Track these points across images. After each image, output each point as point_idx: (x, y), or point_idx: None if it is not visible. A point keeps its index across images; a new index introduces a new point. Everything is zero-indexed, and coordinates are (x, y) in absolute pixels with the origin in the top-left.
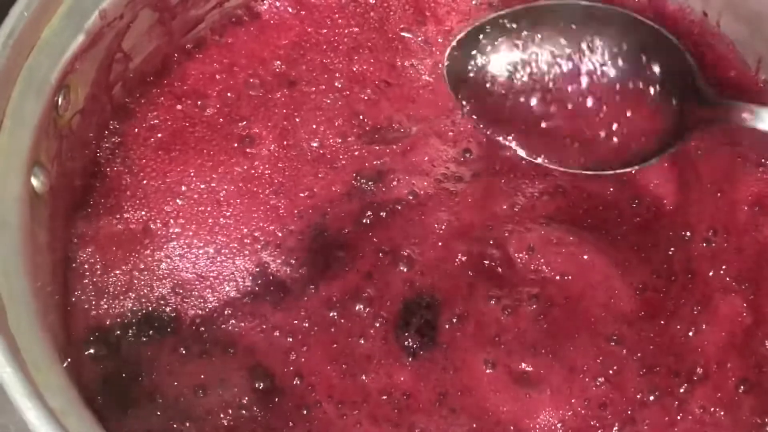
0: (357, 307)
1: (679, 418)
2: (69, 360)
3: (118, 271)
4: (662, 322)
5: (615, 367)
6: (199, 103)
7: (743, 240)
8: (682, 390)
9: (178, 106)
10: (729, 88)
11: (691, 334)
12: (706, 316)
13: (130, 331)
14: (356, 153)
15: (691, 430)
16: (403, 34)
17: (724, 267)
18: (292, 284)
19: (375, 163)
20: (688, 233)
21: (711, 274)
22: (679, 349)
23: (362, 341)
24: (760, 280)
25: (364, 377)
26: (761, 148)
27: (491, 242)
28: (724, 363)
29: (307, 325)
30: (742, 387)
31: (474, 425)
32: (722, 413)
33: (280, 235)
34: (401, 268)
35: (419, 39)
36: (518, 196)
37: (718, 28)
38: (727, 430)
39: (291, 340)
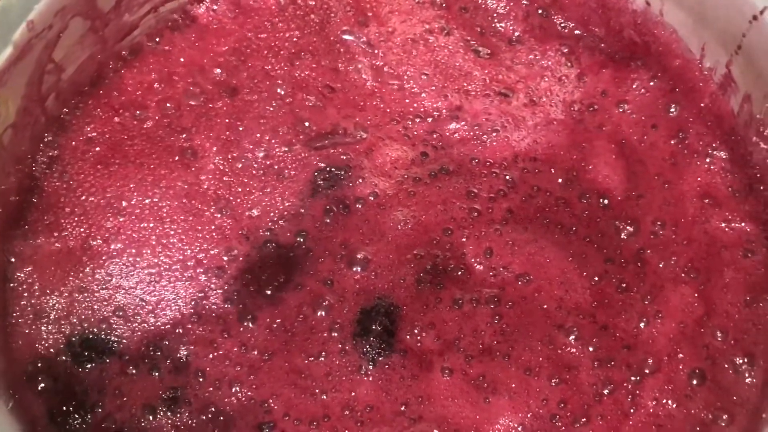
0: (311, 320)
1: (632, 411)
2: (14, 397)
3: (57, 293)
4: (615, 312)
5: (571, 364)
6: (137, 113)
7: (692, 231)
8: (634, 383)
9: (116, 118)
10: (674, 77)
11: (642, 325)
12: (657, 307)
13: (73, 357)
14: (304, 161)
15: (644, 423)
16: (344, 36)
17: (674, 258)
18: (238, 312)
19: (327, 167)
20: (638, 225)
21: (661, 265)
22: (631, 341)
23: (322, 358)
24: (710, 270)
25: (324, 396)
26: (708, 138)
27: (448, 246)
28: (676, 354)
29: (256, 353)
30: (694, 380)
31: None
32: (674, 405)
33: (225, 260)
34: (358, 273)
35: (361, 41)
36: (473, 197)
37: (662, 17)
38: (681, 423)
39: (240, 369)
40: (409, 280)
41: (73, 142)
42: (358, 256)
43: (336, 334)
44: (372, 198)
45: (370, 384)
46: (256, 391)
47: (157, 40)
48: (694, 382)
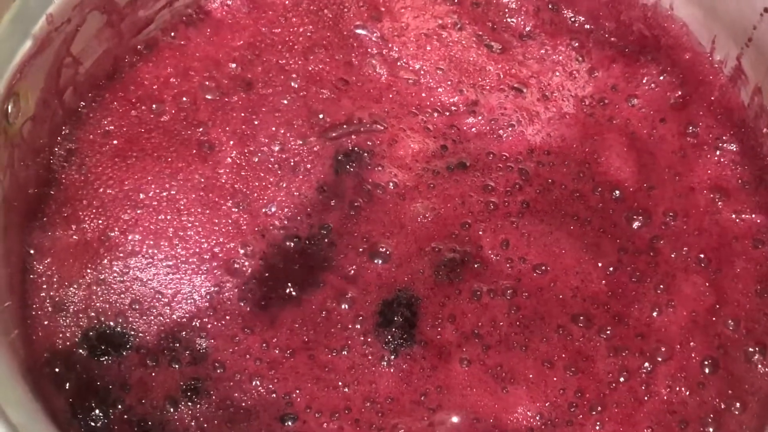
0: (335, 314)
1: (646, 398)
2: (36, 389)
3: (75, 285)
4: (629, 302)
5: (587, 353)
6: (154, 107)
7: (703, 222)
8: (648, 371)
9: (133, 112)
10: (684, 71)
11: (655, 314)
12: (669, 296)
13: (90, 350)
14: (320, 152)
15: (659, 410)
16: (358, 31)
17: (685, 248)
18: (258, 306)
19: (352, 148)
20: (649, 216)
21: (673, 255)
22: (644, 330)
23: (345, 352)
24: (721, 260)
25: (346, 389)
26: (718, 130)
27: (466, 239)
28: (688, 343)
29: (278, 351)
30: (707, 368)
31: (454, 422)
32: (687, 393)
33: (242, 252)
34: (379, 266)
35: (375, 36)
36: (490, 190)
37: (672, 11)
38: (694, 410)
39: (260, 363)
40: (428, 272)
41: (91, 135)
42: (381, 249)
43: (359, 326)
44: (392, 187)
45: (390, 375)
46: (277, 384)
47: (173, 34)
48: (707, 370)
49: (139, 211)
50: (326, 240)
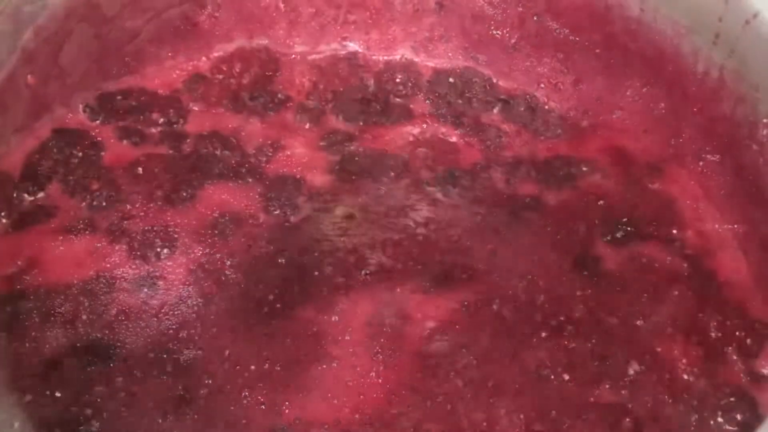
0: (326, 326)
1: (630, 407)
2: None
3: (62, 297)
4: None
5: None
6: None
7: (687, 232)
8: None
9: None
10: (668, 83)
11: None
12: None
13: (78, 361)
14: None
15: (643, 417)
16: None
17: (668, 258)
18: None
19: None
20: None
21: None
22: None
23: (334, 364)
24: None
25: (335, 400)
26: (701, 142)
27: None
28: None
29: (267, 365)
30: (689, 375)
31: None
32: (671, 400)
33: (228, 264)
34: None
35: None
36: (479, 201)
37: (656, 23)
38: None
39: (249, 374)
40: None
41: None
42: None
43: (348, 338)
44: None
45: (379, 386)
46: (266, 396)
47: (160, 45)
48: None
49: (126, 222)
50: (315, 253)
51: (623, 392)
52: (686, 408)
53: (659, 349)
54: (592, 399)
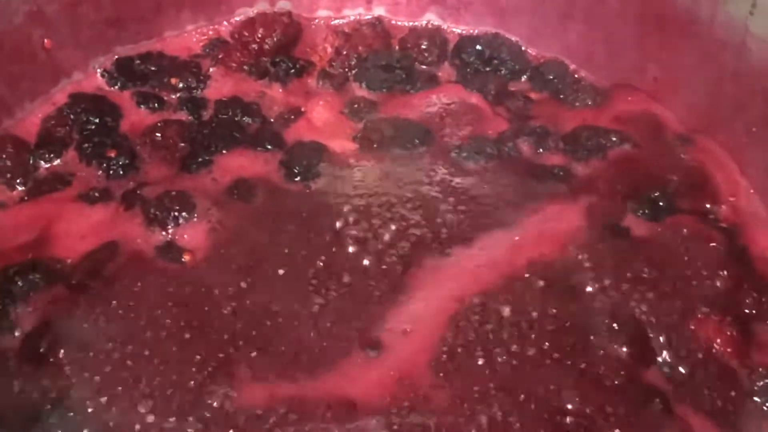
0: None
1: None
2: None
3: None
4: None
5: None
6: None
7: None
8: None
9: None
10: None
11: None
12: None
13: None
14: None
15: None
16: None
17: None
18: None
19: None
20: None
21: None
22: None
23: None
24: None
25: None
26: None
27: None
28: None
29: None
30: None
31: None
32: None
33: None
34: None
35: None
36: None
37: None
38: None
39: None
40: None
41: None
42: None
43: None
44: None
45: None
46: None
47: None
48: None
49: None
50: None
51: (654, 370)
52: (721, 389)
53: (692, 327)
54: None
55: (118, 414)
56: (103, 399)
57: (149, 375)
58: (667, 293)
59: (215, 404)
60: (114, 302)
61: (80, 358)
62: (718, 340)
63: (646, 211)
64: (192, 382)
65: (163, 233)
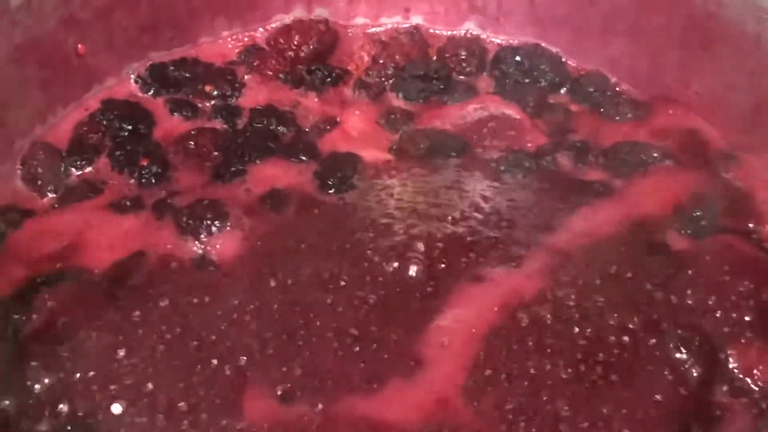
0: None
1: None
2: None
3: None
4: None
5: None
6: None
7: None
8: None
9: None
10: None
11: None
12: None
13: None
14: None
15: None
16: None
17: None
18: None
19: None
20: None
21: None
22: None
23: None
24: None
25: None
26: None
27: None
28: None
29: None
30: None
31: None
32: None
33: None
34: None
35: None
36: None
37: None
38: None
39: None
40: None
41: None
42: None
43: None
44: None
45: None
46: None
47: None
48: None
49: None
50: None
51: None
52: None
53: (731, 352)
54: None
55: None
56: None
57: (170, 387)
58: (708, 315)
59: (241, 426)
60: (137, 312)
61: (100, 366)
62: (760, 367)
63: (688, 230)
64: (218, 400)
65: (196, 243)
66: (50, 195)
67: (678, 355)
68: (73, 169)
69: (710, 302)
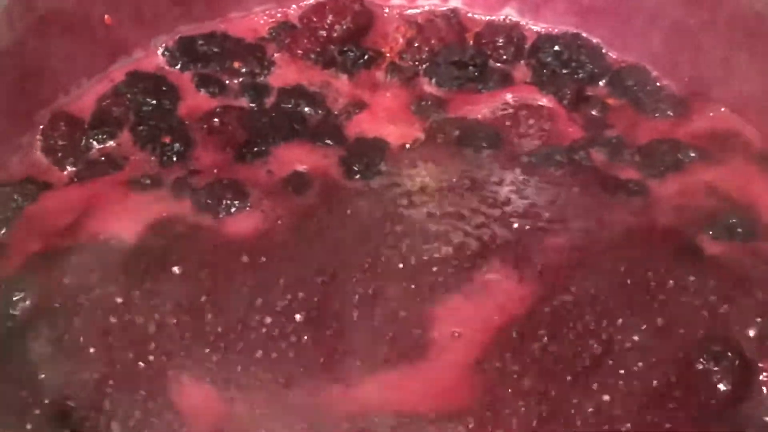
0: None
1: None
2: None
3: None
4: None
5: None
6: None
7: None
8: None
9: None
10: None
11: None
12: None
13: None
14: None
15: None
16: None
17: None
18: None
19: None
20: None
21: None
22: None
23: None
24: None
25: None
26: None
27: None
28: None
29: None
30: None
31: None
32: None
33: None
34: None
35: None
36: None
37: None
38: None
39: None
40: None
41: None
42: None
43: None
44: None
45: None
46: None
47: None
48: None
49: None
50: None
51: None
52: None
53: (761, 365)
54: None
55: None
56: None
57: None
58: (740, 327)
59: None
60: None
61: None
62: None
63: (723, 234)
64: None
65: (213, 221)
66: (69, 168)
67: (705, 367)
68: (95, 143)
69: (743, 313)
